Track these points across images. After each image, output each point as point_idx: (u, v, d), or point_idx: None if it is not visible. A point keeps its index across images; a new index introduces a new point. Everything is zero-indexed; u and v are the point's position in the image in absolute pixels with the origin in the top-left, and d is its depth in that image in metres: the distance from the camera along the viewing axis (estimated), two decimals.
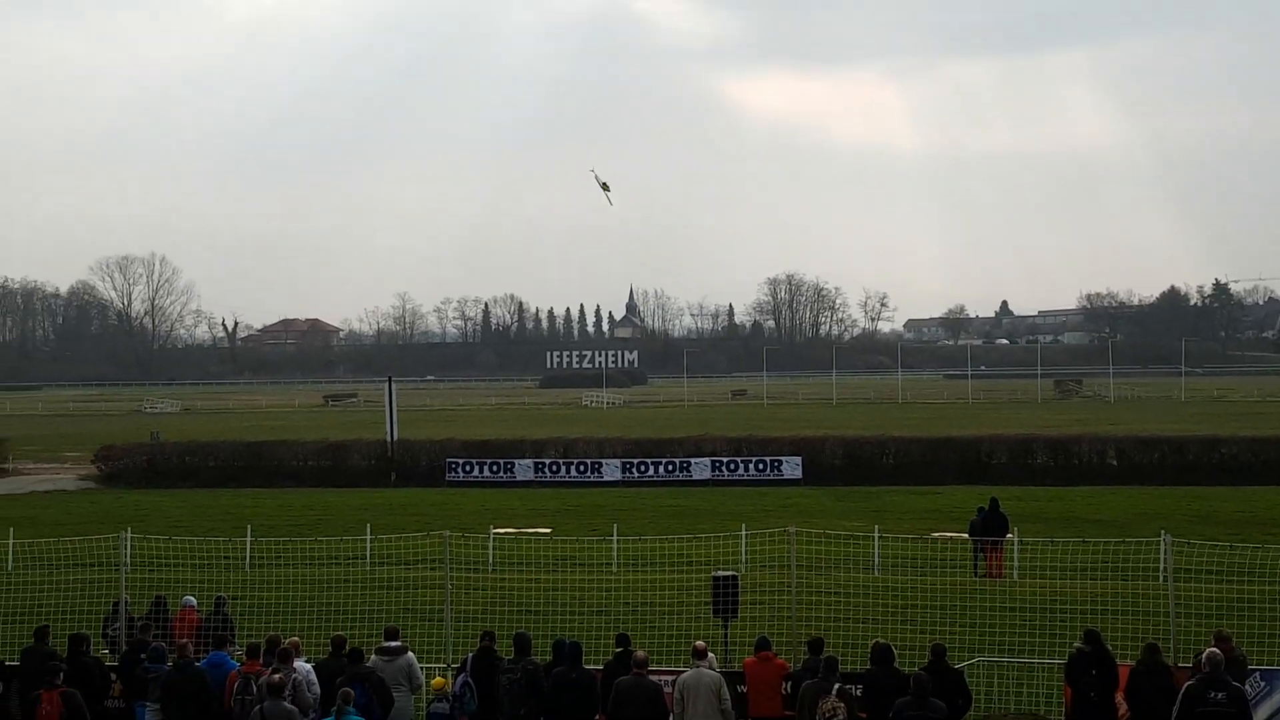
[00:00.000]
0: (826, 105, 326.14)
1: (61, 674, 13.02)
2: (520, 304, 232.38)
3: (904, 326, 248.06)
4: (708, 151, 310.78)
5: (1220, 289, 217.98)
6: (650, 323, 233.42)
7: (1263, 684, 14.14)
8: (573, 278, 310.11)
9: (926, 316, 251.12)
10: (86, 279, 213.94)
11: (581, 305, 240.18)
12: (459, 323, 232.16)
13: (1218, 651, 12.57)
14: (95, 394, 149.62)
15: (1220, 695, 12.11)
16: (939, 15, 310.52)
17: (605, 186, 39.12)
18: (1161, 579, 15.92)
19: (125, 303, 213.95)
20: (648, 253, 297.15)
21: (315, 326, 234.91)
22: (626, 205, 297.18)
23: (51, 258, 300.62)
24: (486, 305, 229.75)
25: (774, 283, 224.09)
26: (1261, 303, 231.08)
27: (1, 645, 15.59)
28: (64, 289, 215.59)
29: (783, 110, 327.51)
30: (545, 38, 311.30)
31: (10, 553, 26.75)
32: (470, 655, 14.69)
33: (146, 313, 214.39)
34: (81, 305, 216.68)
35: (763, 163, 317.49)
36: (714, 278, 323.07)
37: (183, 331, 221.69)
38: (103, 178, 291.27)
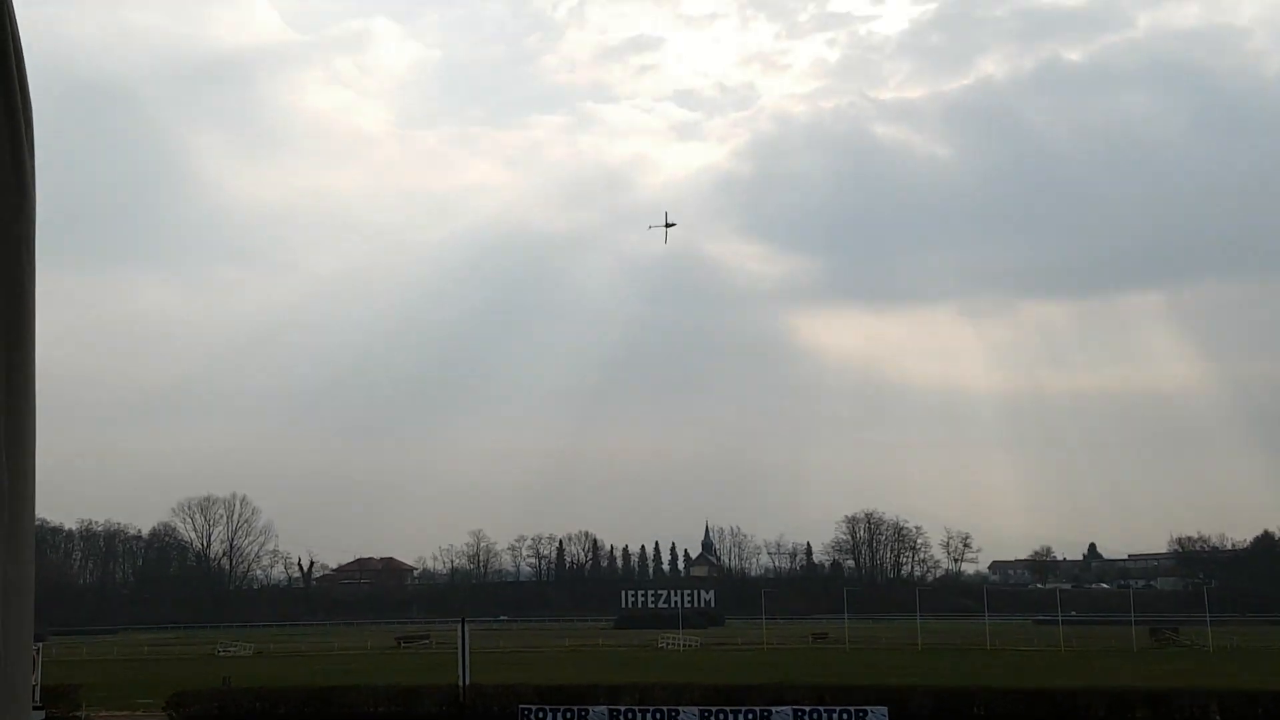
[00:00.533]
0: (903, 343, 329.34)
1: None
2: (595, 541, 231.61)
3: (989, 568, 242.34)
4: (783, 388, 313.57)
5: None
6: (726, 561, 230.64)
7: None
8: (648, 515, 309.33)
9: (1012, 558, 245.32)
10: (168, 520, 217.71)
11: (656, 543, 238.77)
12: (533, 560, 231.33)
13: None
14: (171, 637, 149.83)
15: None
16: (1013, 257, 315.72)
17: (668, 226, 39.88)
18: None
19: (204, 543, 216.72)
20: (723, 490, 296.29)
21: (390, 565, 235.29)
22: (701, 441, 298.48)
23: (135, 499, 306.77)
24: (561, 543, 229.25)
25: (852, 521, 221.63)
26: None
27: None
28: (146, 530, 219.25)
29: (858, 348, 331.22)
30: (621, 280, 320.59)
31: None
32: None
33: (225, 553, 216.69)
34: (162, 547, 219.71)
35: (839, 399, 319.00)
36: (791, 516, 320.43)
37: (259, 572, 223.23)
38: (187, 420, 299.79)
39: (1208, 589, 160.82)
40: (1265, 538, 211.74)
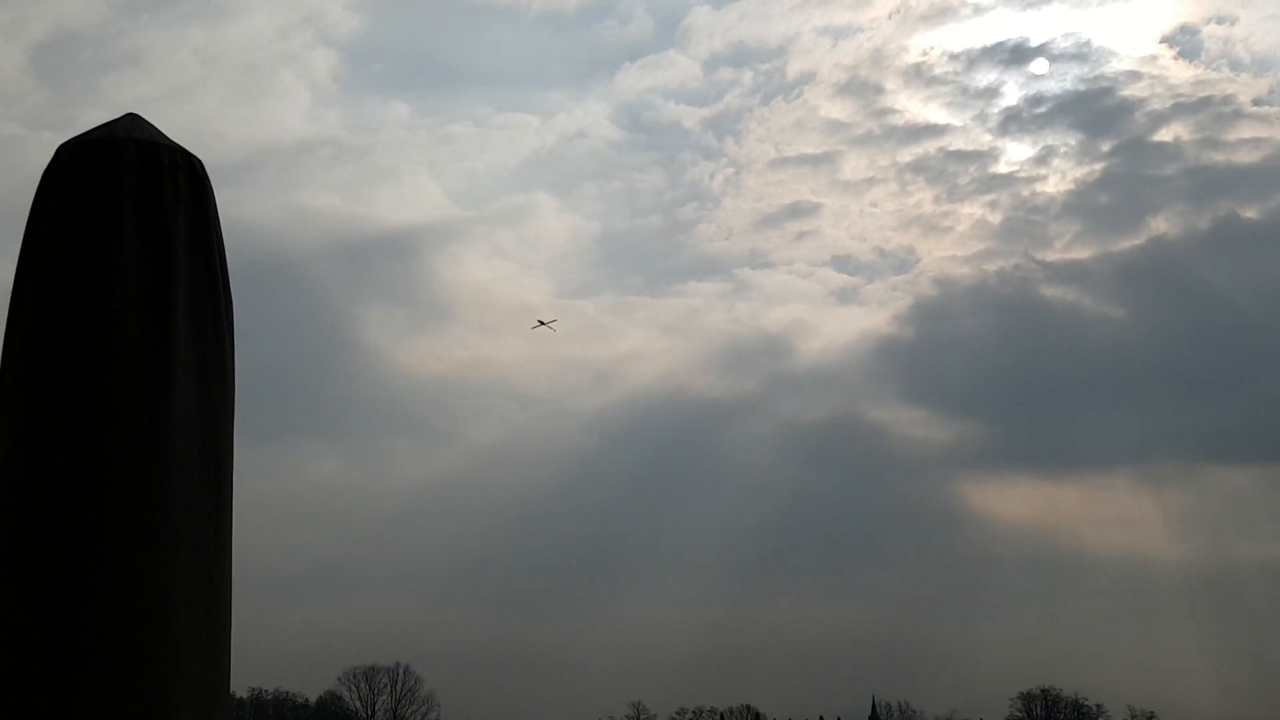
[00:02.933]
0: (1079, 511, 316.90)
1: None
2: (757, 715, 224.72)
3: None
4: (952, 557, 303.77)
5: None
6: None
7: None
8: (811, 689, 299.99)
9: None
10: (334, 688, 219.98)
11: (820, 717, 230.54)
12: None
13: None
14: None
15: None
16: (1194, 420, 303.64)
17: (545, 323, 39.48)
18: None
19: (369, 712, 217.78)
20: (890, 663, 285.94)
21: None
22: (867, 613, 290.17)
23: (303, 668, 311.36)
24: (722, 715, 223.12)
25: (1028, 698, 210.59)
26: None
27: None
28: (313, 698, 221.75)
29: (1031, 516, 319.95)
30: (781, 447, 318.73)
31: None
32: None
33: None
34: (329, 716, 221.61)
35: (1011, 569, 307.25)
36: (962, 690, 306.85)
37: None
38: (352, 589, 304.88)
39: None
40: None
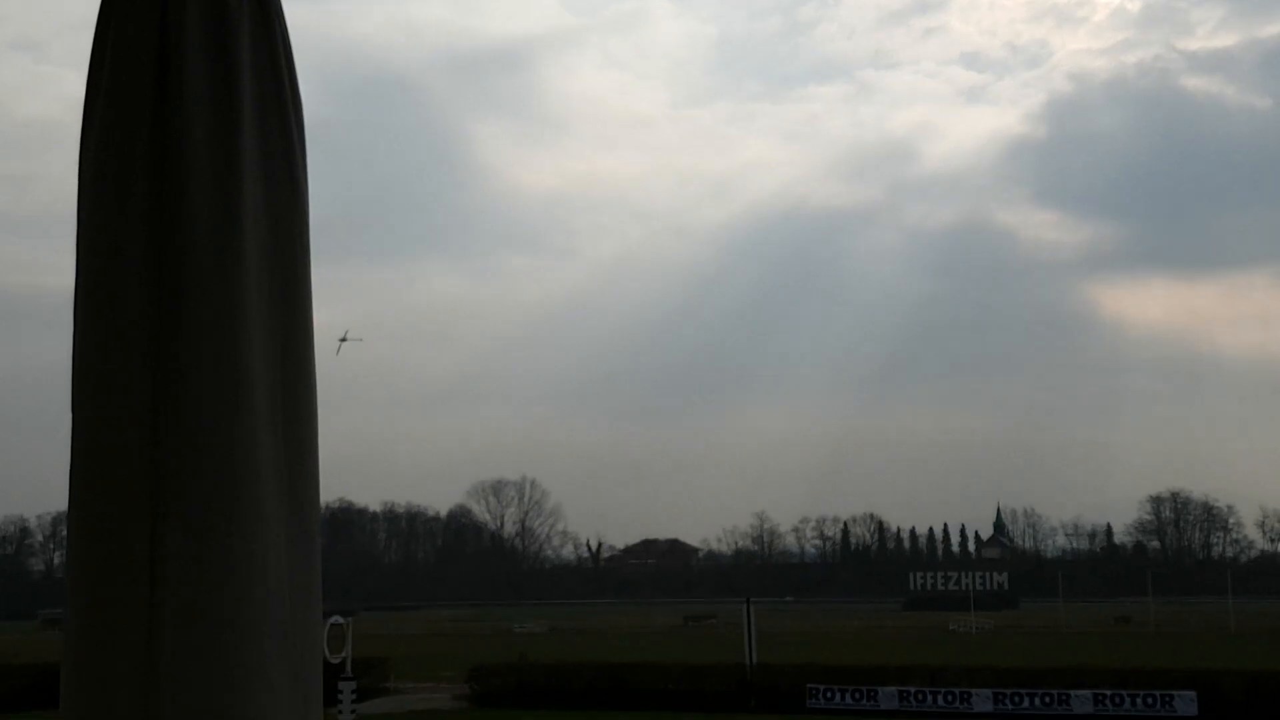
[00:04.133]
0: (1215, 312, 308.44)
1: None
2: (880, 523, 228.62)
3: None
4: (1081, 362, 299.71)
5: None
6: (1020, 543, 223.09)
7: None
8: (935, 496, 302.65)
9: None
10: (464, 502, 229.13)
11: (945, 525, 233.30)
12: (817, 542, 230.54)
13: None
14: (469, 613, 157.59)
15: None
16: None
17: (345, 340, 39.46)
18: None
19: (498, 525, 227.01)
20: (1016, 469, 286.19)
21: (675, 547, 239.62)
22: (992, 420, 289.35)
23: (433, 483, 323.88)
24: (845, 524, 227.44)
25: (1157, 501, 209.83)
26: None
27: None
28: (444, 512, 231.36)
29: (1164, 319, 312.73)
30: (907, 255, 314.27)
31: None
32: None
33: (517, 534, 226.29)
34: (459, 528, 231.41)
35: (1142, 374, 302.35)
36: (1089, 496, 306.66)
37: (550, 552, 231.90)
38: (478, 405, 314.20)
39: None
40: None
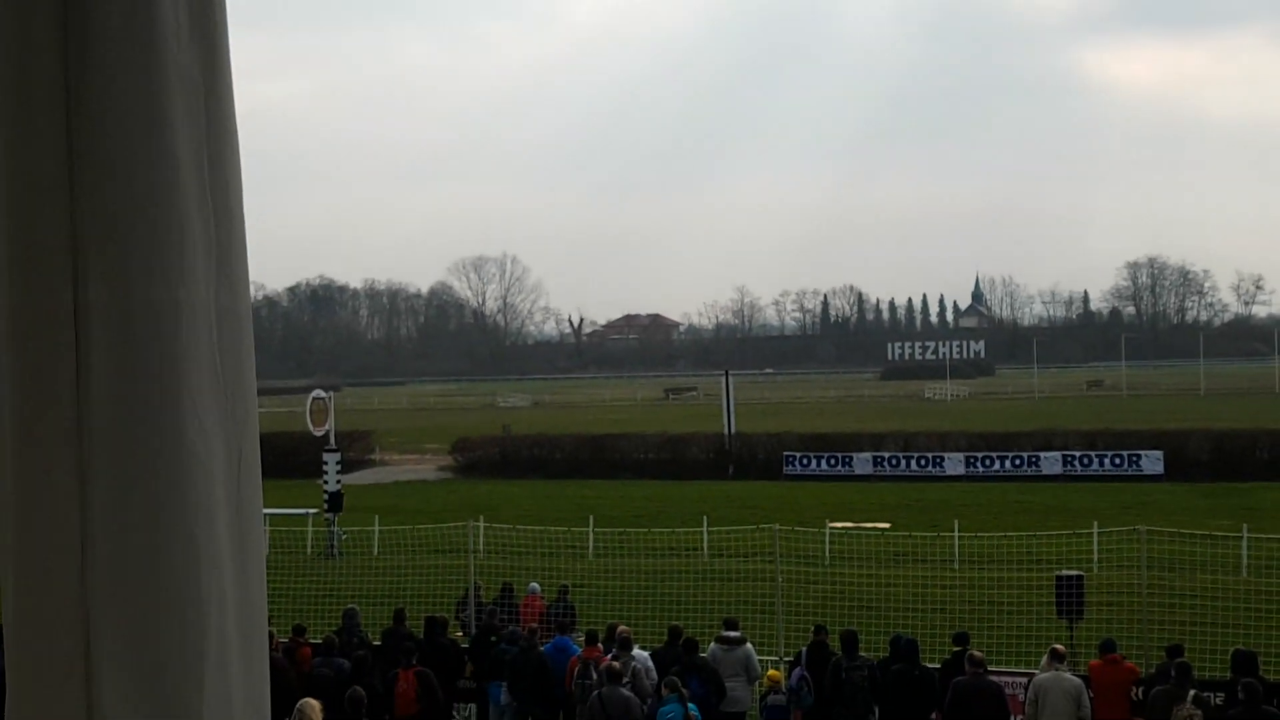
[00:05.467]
0: (1203, 75, 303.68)
1: (416, 655, 14.05)
2: (860, 295, 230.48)
3: None
4: (1066, 128, 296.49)
5: None
6: (998, 311, 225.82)
7: None
8: (914, 266, 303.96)
9: None
10: (445, 279, 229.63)
11: (924, 295, 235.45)
12: (797, 315, 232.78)
13: None
14: (453, 389, 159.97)
15: None
16: None
17: None
18: None
19: (480, 301, 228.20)
20: (995, 238, 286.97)
21: (656, 321, 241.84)
22: (974, 188, 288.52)
23: (413, 259, 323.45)
24: (825, 297, 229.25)
25: (1134, 266, 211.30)
26: None
27: (367, 625, 17.03)
28: (425, 289, 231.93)
29: (1152, 82, 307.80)
30: (891, 19, 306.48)
31: (376, 539, 29.07)
32: (804, 648, 14.74)
33: (499, 310, 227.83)
34: (441, 304, 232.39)
35: (1125, 139, 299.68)
36: (1067, 263, 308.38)
37: (532, 328, 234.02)
38: (456, 180, 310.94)
39: None
40: None
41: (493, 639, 15.60)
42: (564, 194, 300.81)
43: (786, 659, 15.50)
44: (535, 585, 19.25)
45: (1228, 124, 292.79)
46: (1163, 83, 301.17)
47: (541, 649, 14.93)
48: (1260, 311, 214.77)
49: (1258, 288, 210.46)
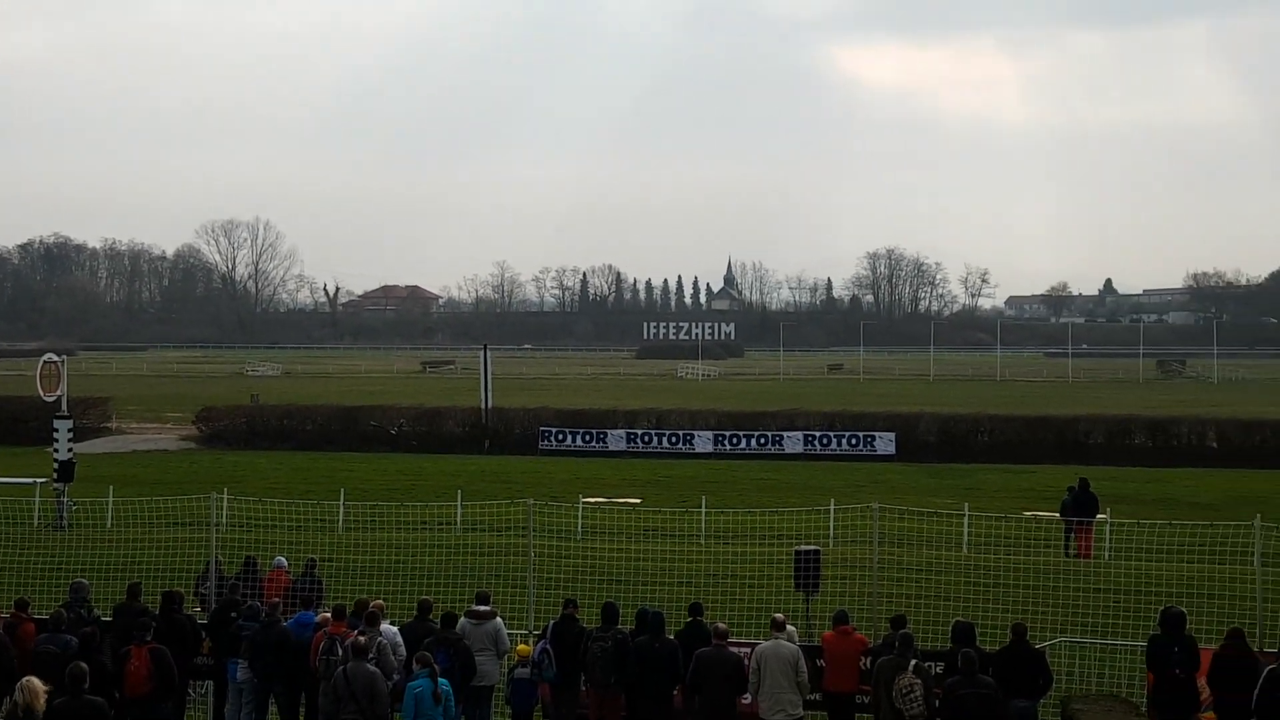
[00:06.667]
0: (940, 76, 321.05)
1: (151, 630, 13.48)
2: (618, 274, 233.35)
3: (1005, 303, 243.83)
4: (817, 122, 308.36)
5: None
6: (748, 295, 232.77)
7: None
8: (671, 248, 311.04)
9: (1029, 293, 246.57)
10: (192, 242, 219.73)
11: (679, 276, 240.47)
12: (557, 292, 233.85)
13: None
14: (198, 356, 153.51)
15: None
16: None
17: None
18: (1254, 563, 15.58)
19: (229, 266, 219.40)
20: (747, 225, 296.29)
21: (415, 293, 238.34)
22: (729, 175, 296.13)
23: (158, 221, 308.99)
24: (585, 275, 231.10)
25: (874, 257, 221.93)
26: None
27: (98, 601, 16.24)
28: (170, 251, 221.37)
29: (895, 81, 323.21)
30: (654, 7, 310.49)
31: (110, 510, 27.67)
32: (552, 622, 14.90)
33: (250, 276, 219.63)
34: (187, 268, 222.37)
35: (871, 134, 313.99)
36: (814, 251, 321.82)
37: (285, 296, 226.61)
38: (209, 143, 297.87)
39: (1218, 323, 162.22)
40: None
41: (233, 615, 15.15)
42: (323, 161, 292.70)
43: (535, 633, 15.65)
44: (281, 559, 18.75)
45: (961, 125, 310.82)
46: (902, 82, 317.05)
47: (284, 624, 14.60)
48: (985, 304, 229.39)
49: (984, 281, 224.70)
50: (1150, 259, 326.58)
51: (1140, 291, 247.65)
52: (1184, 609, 14.12)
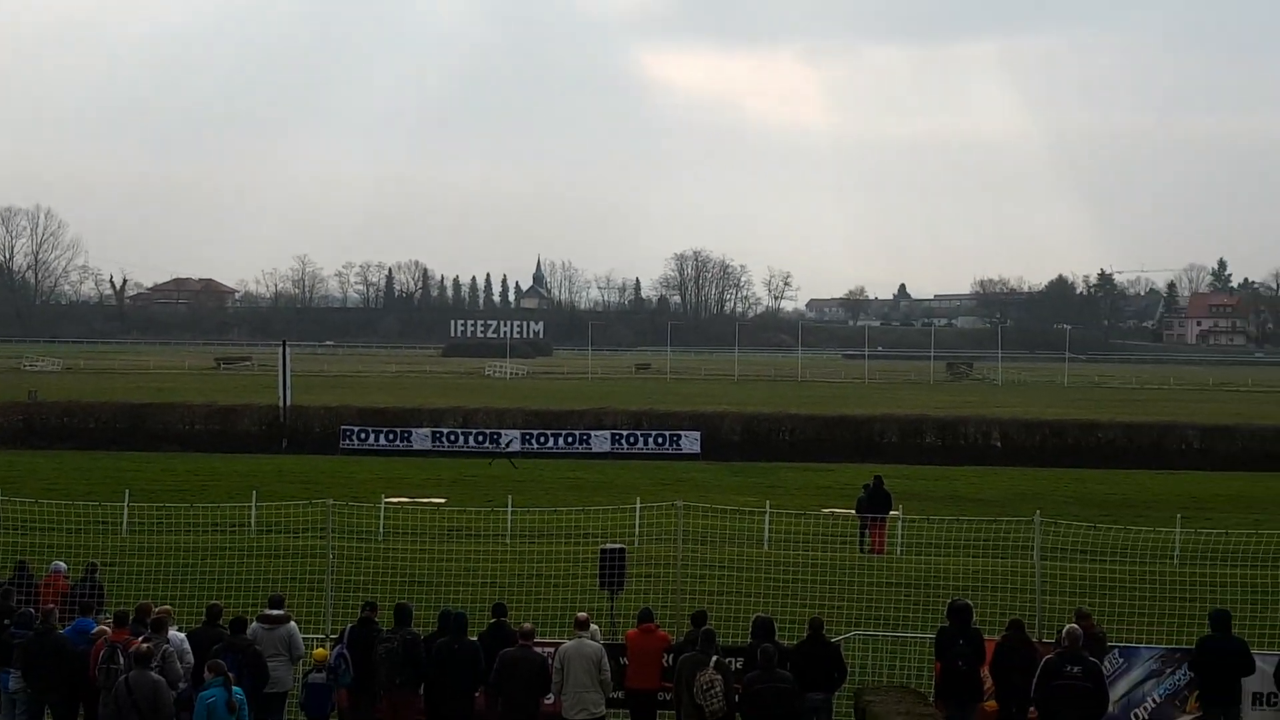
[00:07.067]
0: (746, 83, 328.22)
1: None
2: (425, 271, 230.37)
3: (806, 306, 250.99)
4: (625, 124, 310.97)
5: (1105, 279, 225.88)
6: (557, 294, 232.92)
7: (1121, 661, 14.59)
8: (480, 246, 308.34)
9: (828, 297, 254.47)
10: None
11: (488, 274, 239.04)
12: (361, 288, 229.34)
13: (1077, 627, 13.05)
14: None
15: (1076, 669, 12.56)
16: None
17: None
18: (1034, 557, 16.36)
19: (7, 256, 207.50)
20: (558, 223, 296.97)
21: (209, 287, 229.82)
22: (540, 174, 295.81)
23: None
24: (390, 271, 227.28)
25: (681, 259, 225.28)
26: (1143, 293, 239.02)
27: None
28: None
29: (703, 86, 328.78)
30: (464, 1, 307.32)
31: None
32: (349, 626, 14.55)
33: (29, 267, 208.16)
34: None
35: (679, 138, 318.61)
36: (623, 251, 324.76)
37: (68, 288, 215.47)
38: None
39: (1003, 328, 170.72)
40: (1060, 281, 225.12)
41: (5, 621, 14.26)
42: (110, 148, 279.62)
43: (333, 637, 15.23)
44: (60, 564, 17.72)
45: (766, 131, 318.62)
46: (710, 87, 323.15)
47: (61, 632, 13.81)
48: (788, 306, 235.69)
49: (786, 284, 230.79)
50: (942, 266, 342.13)
51: (932, 297, 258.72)
52: (970, 601, 14.68)
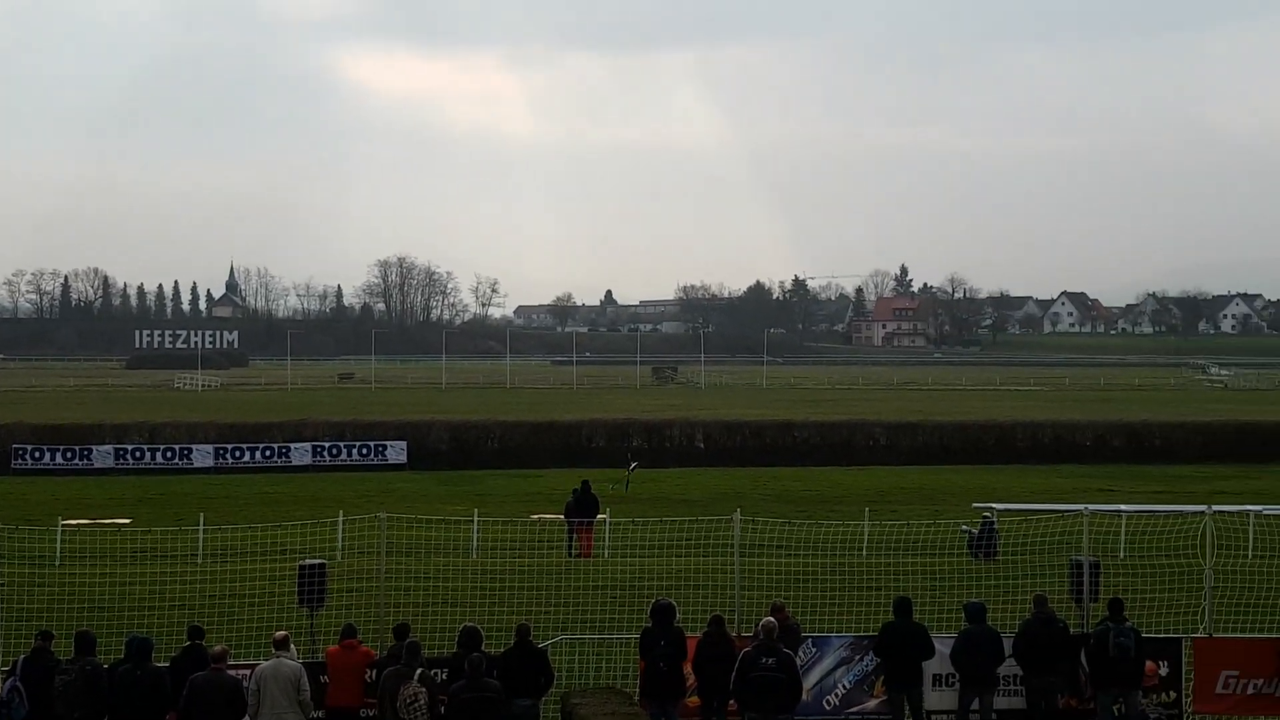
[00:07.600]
0: (448, 88, 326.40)
1: None
2: (105, 278, 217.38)
3: (514, 313, 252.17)
4: (321, 128, 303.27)
5: (799, 285, 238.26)
6: (253, 302, 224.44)
7: (814, 650, 15.23)
8: (167, 253, 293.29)
9: (536, 303, 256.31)
10: None
11: (176, 282, 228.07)
12: (33, 297, 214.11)
13: (772, 620, 13.56)
14: None
15: (770, 661, 13.05)
16: (560, 6, 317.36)
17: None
18: (734, 554, 16.88)
19: None
20: (252, 230, 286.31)
21: None
22: (231, 178, 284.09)
23: None
24: (66, 279, 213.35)
25: (385, 265, 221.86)
26: (834, 298, 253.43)
27: None
28: None
29: (403, 91, 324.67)
30: None
31: None
32: (21, 658, 13.48)
33: None
34: None
35: (379, 143, 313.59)
36: (323, 258, 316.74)
37: None
38: None
39: (705, 333, 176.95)
40: (757, 287, 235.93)
41: None
42: None
43: (4, 669, 14.02)
44: None
45: (469, 136, 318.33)
46: (410, 92, 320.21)
47: None
48: (496, 313, 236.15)
49: (494, 291, 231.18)
50: (646, 272, 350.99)
51: (638, 303, 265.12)
52: (674, 600, 14.98)
